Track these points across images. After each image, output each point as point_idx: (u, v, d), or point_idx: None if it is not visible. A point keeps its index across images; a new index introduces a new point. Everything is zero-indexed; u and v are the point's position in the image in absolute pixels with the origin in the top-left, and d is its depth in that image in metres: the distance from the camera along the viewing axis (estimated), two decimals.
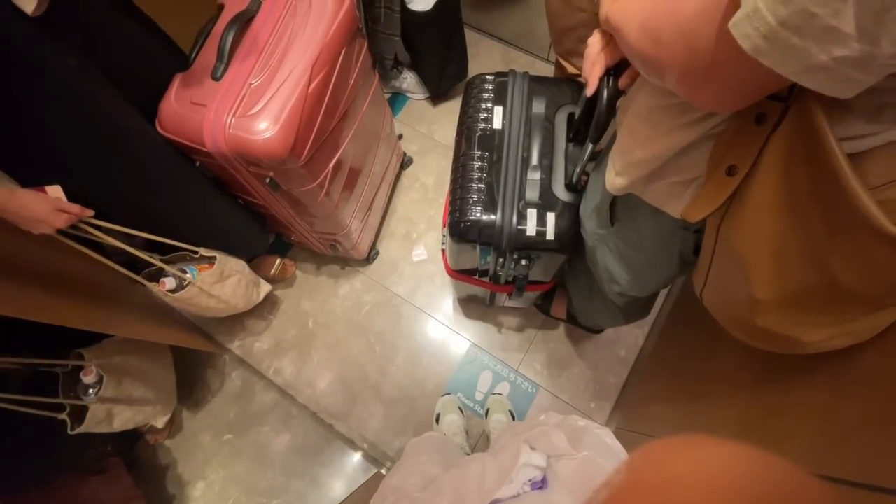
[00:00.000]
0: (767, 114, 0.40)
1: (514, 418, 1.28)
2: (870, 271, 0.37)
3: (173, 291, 1.04)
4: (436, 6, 1.29)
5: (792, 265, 0.42)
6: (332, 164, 1.01)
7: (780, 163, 0.39)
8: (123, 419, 1.09)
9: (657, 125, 0.52)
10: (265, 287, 1.30)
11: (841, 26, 0.26)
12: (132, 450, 1.34)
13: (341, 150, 1.03)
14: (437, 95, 1.62)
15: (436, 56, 1.46)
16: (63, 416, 0.96)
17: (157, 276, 1.05)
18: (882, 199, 0.34)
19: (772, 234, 0.42)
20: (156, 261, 1.02)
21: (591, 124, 0.75)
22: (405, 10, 1.29)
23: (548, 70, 1.65)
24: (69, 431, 0.97)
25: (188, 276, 1.05)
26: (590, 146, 0.79)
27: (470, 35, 1.69)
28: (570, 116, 0.91)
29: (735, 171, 0.43)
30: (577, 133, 0.89)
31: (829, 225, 0.37)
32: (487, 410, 1.29)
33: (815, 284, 0.41)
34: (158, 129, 0.89)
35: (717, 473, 0.21)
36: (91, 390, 1.02)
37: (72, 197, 0.81)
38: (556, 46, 1.02)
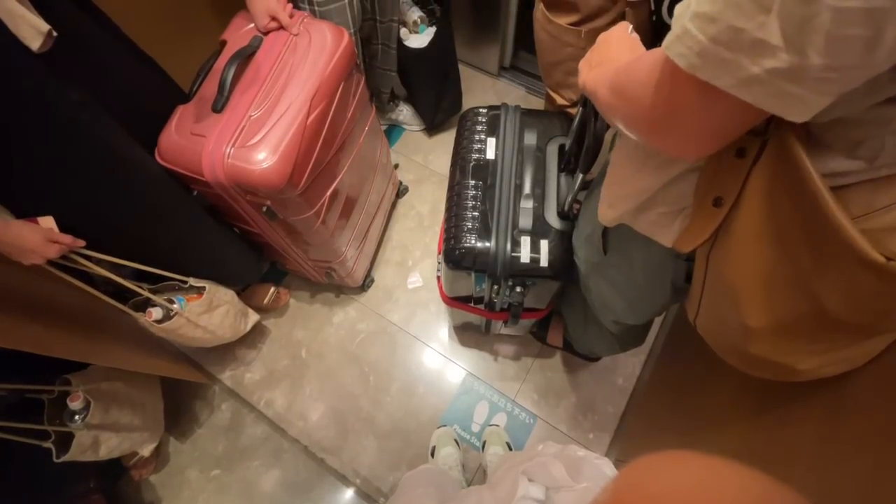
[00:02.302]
0: (747, 147, 0.41)
1: (511, 450, 1.24)
2: (856, 299, 0.38)
3: (160, 321, 1.02)
4: (431, 43, 1.34)
5: (781, 294, 0.42)
6: (328, 194, 1.02)
7: (764, 194, 0.40)
8: (110, 446, 1.06)
9: (644, 160, 0.54)
10: (253, 317, 1.29)
11: (768, 38, 0.27)
12: (115, 486, 1.28)
13: (338, 179, 1.05)
14: (432, 127, 1.67)
15: (431, 90, 1.51)
16: (48, 443, 0.93)
17: (144, 305, 1.04)
18: (865, 229, 0.34)
19: (760, 263, 0.42)
20: (143, 290, 1.01)
21: (581, 155, 0.77)
22: (402, 47, 1.34)
23: (538, 103, 1.70)
24: (55, 459, 0.93)
25: (176, 306, 1.04)
26: (580, 176, 0.81)
27: (464, 70, 1.75)
28: (561, 147, 0.94)
29: (721, 202, 0.44)
30: (569, 163, 0.92)
31: (815, 254, 0.38)
32: (484, 443, 1.26)
33: (804, 312, 0.41)
34: (158, 158, 0.90)
35: (698, 489, 0.22)
36: (77, 416, 0.99)
37: (64, 227, 0.81)
38: (546, 79, 1.06)
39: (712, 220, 0.46)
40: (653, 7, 0.72)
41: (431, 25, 1.37)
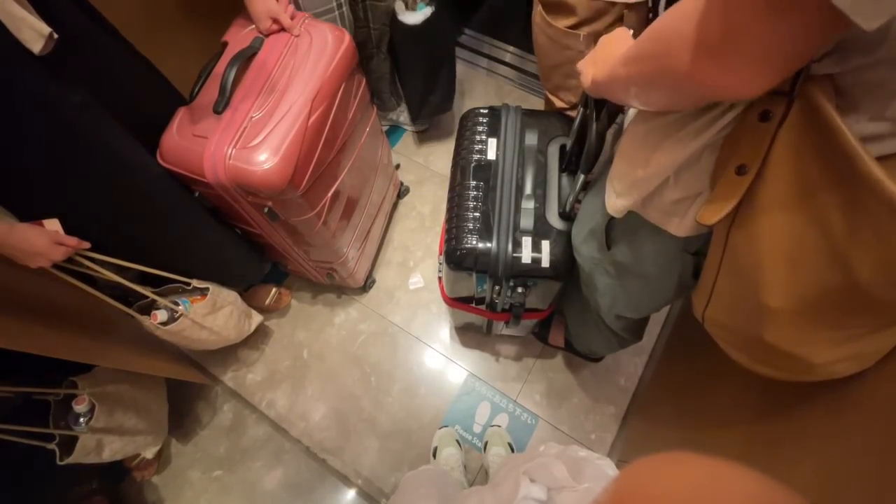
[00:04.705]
0: (771, 110, 0.39)
1: (513, 451, 1.24)
2: (890, 263, 0.36)
3: (165, 324, 1.03)
4: (426, 22, 1.25)
5: (808, 266, 0.40)
6: (330, 194, 1.03)
7: (791, 157, 0.39)
8: (113, 449, 1.06)
9: (657, 142, 0.53)
10: (256, 318, 1.29)
11: None
12: (118, 487, 1.28)
13: (339, 180, 1.05)
14: (416, 120, 1.57)
15: (419, 75, 1.40)
16: (52, 445, 0.93)
17: (148, 308, 1.04)
18: None
19: (786, 233, 0.41)
20: (148, 293, 1.01)
21: (583, 155, 0.77)
22: (395, 22, 1.25)
23: (540, 104, 1.70)
24: (58, 462, 0.93)
25: (180, 307, 1.04)
26: (581, 176, 0.81)
27: (465, 71, 1.75)
28: (562, 148, 0.94)
29: (745, 170, 0.42)
30: (569, 164, 0.92)
31: (848, 216, 0.36)
32: (486, 443, 1.25)
33: (832, 286, 0.40)
34: (159, 160, 0.90)
35: (699, 490, 0.22)
36: (82, 419, 0.99)
37: (69, 229, 0.81)
38: (545, 82, 1.06)
39: (736, 190, 0.43)
40: (650, 5, 0.72)
41: (430, 5, 1.27)
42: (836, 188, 0.36)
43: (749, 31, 0.30)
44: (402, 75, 1.44)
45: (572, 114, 1.00)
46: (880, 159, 0.36)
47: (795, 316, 0.44)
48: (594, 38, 0.83)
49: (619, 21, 0.81)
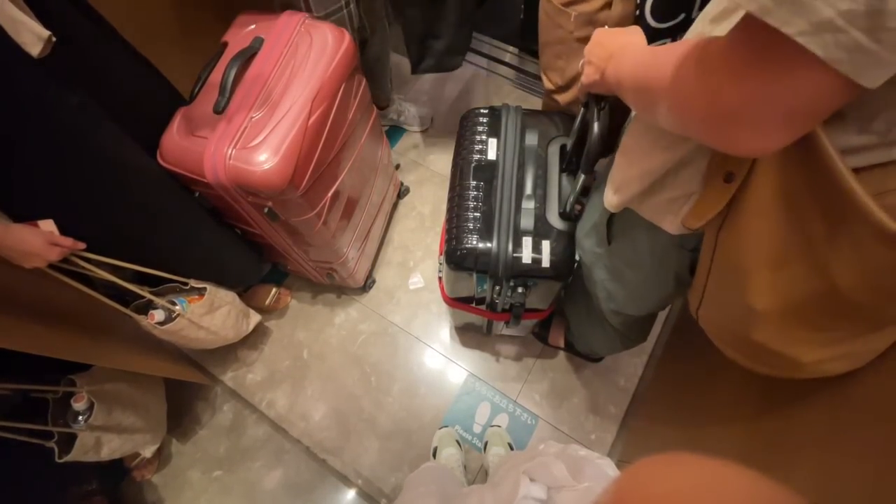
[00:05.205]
0: None
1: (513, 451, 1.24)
2: (869, 274, 0.37)
3: (162, 323, 1.03)
4: None
5: (791, 271, 0.42)
6: (330, 195, 1.03)
7: (776, 167, 0.40)
8: (112, 447, 1.06)
9: (656, 140, 0.54)
10: (255, 318, 1.29)
11: None
12: (117, 487, 1.28)
13: (339, 180, 1.05)
14: (416, 71, 1.31)
15: (417, 9, 1.17)
16: (51, 443, 0.94)
17: (146, 308, 1.04)
18: (881, 206, 0.34)
19: (771, 239, 0.42)
20: (145, 293, 1.01)
21: (583, 155, 0.77)
22: None
23: (540, 104, 1.70)
24: (57, 460, 0.94)
25: (177, 307, 1.04)
26: (582, 176, 0.81)
27: (465, 70, 1.75)
28: (562, 148, 0.94)
29: (732, 177, 0.44)
30: (570, 164, 0.92)
31: (828, 226, 0.38)
32: (486, 443, 1.25)
33: (814, 291, 0.41)
34: (159, 160, 0.90)
35: (699, 491, 0.22)
36: (81, 417, 0.99)
37: (64, 230, 0.81)
38: (540, 58, 1.06)
39: (722, 196, 0.45)
40: (638, 2, 0.72)
41: None
42: (818, 199, 0.38)
43: (768, 97, 0.31)
44: (402, 10, 1.18)
45: (559, 97, 1.00)
46: (868, 169, 0.37)
47: (780, 318, 0.45)
48: (583, 21, 0.83)
49: (607, 6, 0.81)
